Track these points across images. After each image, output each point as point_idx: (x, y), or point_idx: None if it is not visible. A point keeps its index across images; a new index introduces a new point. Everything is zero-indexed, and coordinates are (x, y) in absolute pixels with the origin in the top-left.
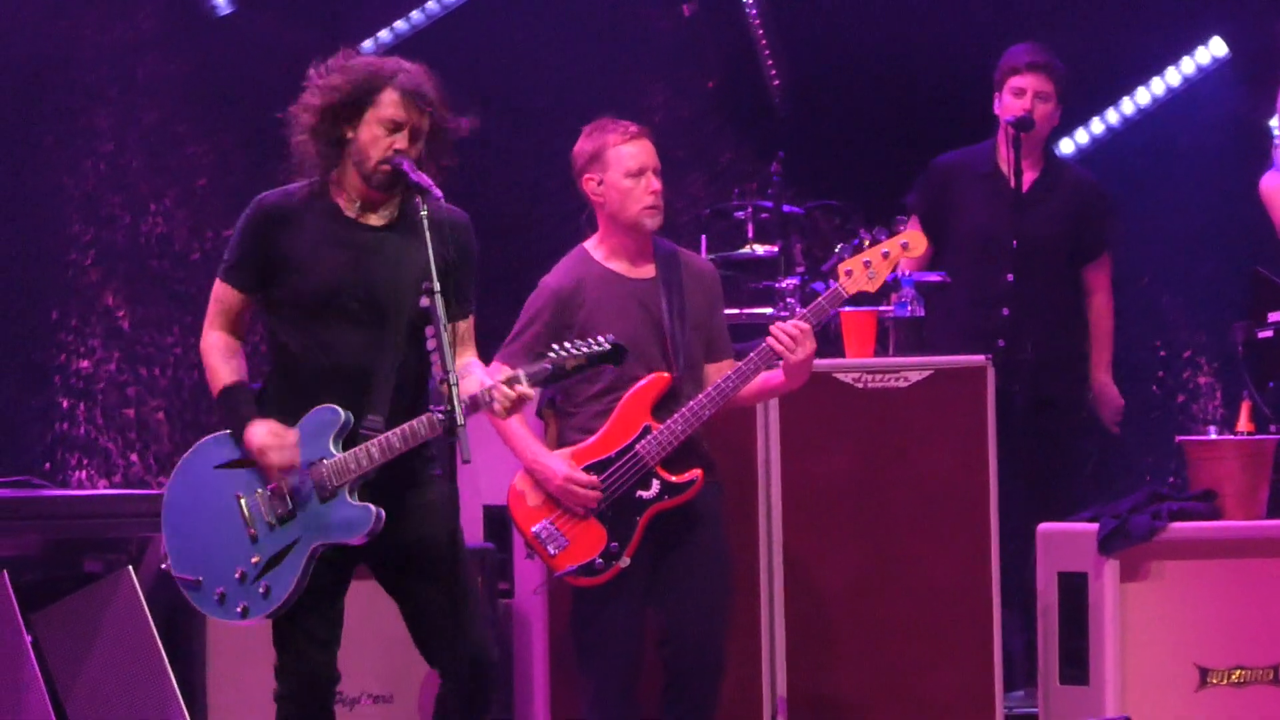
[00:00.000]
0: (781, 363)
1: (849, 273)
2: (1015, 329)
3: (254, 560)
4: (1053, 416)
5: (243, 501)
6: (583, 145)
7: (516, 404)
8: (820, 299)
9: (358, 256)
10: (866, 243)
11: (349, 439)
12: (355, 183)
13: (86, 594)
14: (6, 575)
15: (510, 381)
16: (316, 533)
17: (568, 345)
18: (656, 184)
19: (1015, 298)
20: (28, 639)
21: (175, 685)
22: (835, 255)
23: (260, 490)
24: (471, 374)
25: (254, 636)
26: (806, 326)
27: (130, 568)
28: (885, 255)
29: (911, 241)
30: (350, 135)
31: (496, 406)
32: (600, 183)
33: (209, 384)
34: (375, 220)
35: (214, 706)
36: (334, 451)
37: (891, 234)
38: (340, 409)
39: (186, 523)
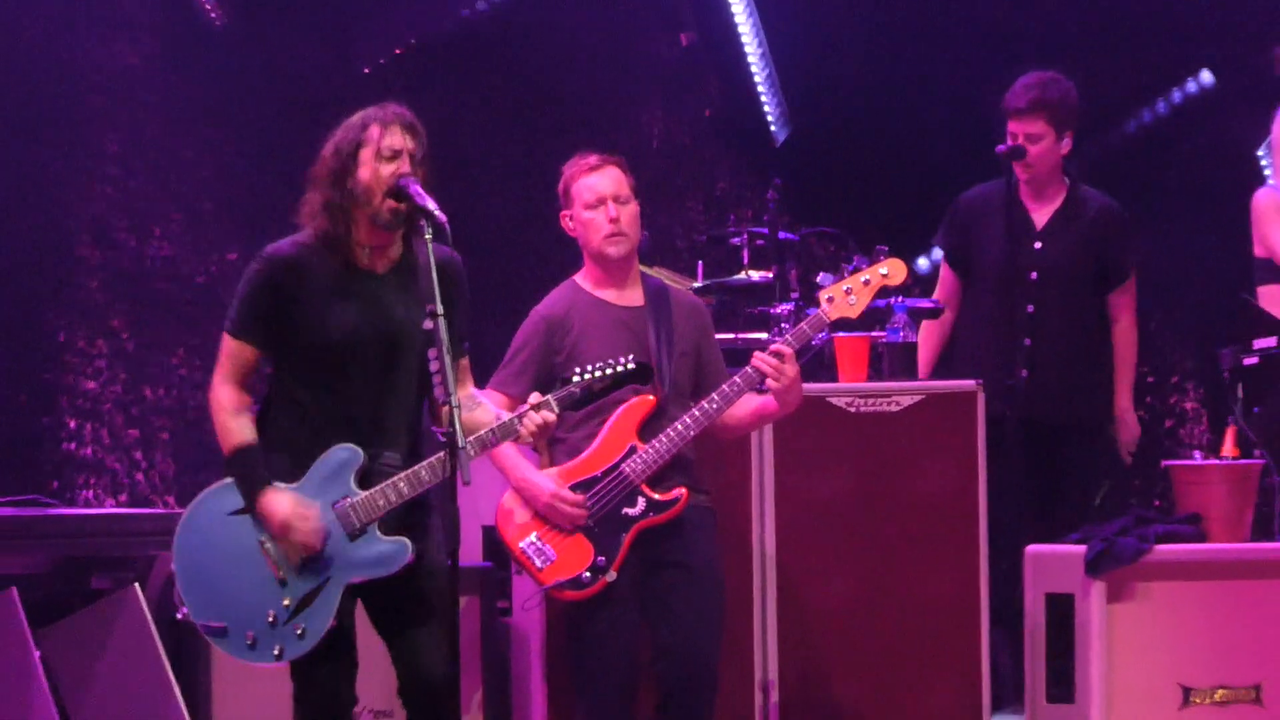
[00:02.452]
0: (769, 388)
1: (830, 299)
2: (1036, 358)
3: (285, 603)
4: (1071, 444)
5: (267, 546)
6: (559, 185)
7: (543, 429)
8: (802, 324)
9: (369, 307)
10: (846, 270)
11: (365, 477)
12: (364, 230)
13: (94, 611)
14: (15, 592)
15: (538, 407)
16: (348, 570)
17: (592, 367)
18: (615, 211)
19: (1036, 328)
20: (36, 655)
21: (181, 700)
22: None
23: None
24: (480, 403)
25: None
26: (788, 350)
27: (137, 585)
28: (866, 282)
29: (891, 269)
30: (351, 185)
31: (523, 431)
32: (571, 218)
33: (219, 440)
34: (382, 266)
35: None
36: (355, 490)
37: (872, 262)
38: (357, 448)
39: (205, 571)
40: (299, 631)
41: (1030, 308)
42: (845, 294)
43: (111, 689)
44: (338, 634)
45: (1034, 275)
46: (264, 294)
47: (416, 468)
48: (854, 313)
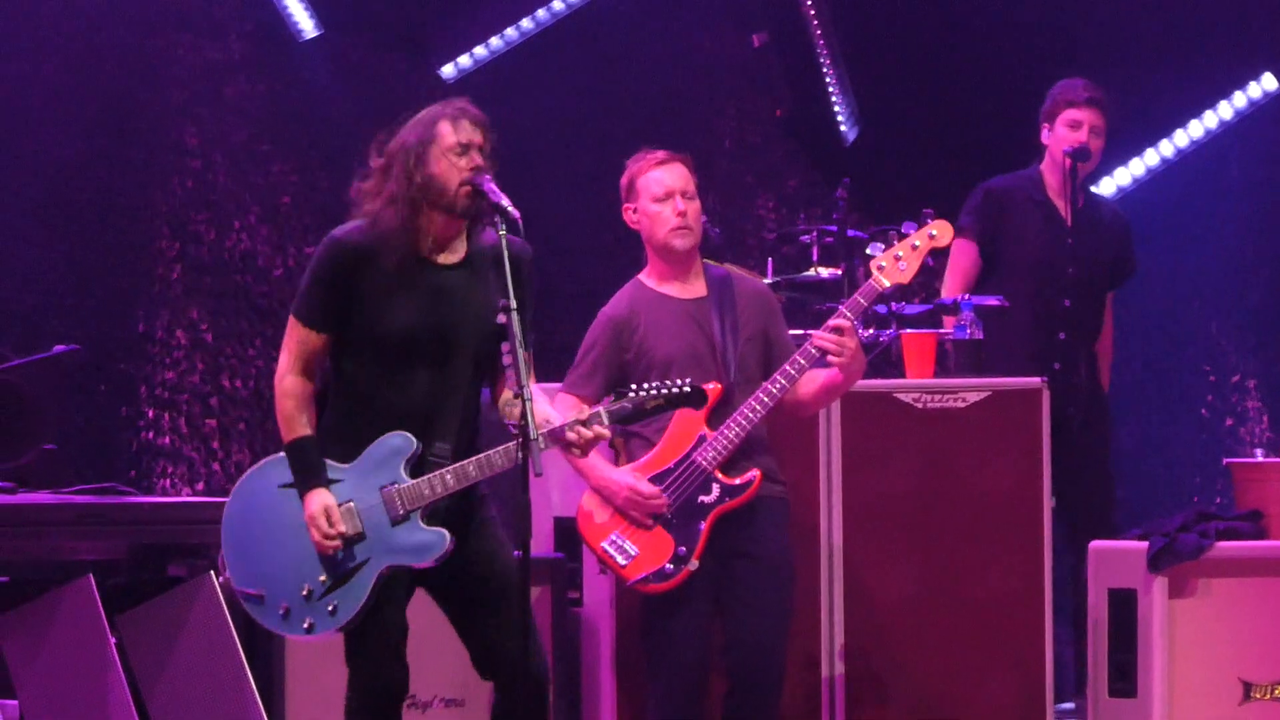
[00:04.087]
0: (832, 362)
1: (881, 267)
2: (1070, 352)
3: (321, 579)
4: (1101, 436)
5: None
6: (623, 179)
7: (592, 442)
8: (856, 294)
9: (432, 298)
10: (895, 238)
11: (416, 465)
12: (436, 223)
13: (169, 597)
14: (93, 578)
15: (589, 421)
16: (386, 554)
17: (648, 385)
18: (682, 205)
19: (1071, 322)
20: (112, 640)
21: (254, 686)
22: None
23: None
24: (539, 397)
25: (331, 640)
26: (846, 324)
27: (212, 573)
28: (915, 247)
29: (939, 231)
30: (422, 179)
31: (573, 437)
32: (635, 211)
33: (280, 427)
34: (447, 259)
35: (291, 707)
36: (405, 477)
37: (920, 226)
38: (412, 437)
39: (250, 539)
40: (330, 609)
41: (1067, 302)
42: (895, 260)
43: (186, 674)
44: (388, 622)
45: (1071, 270)
46: (333, 280)
47: (464, 463)
48: (905, 278)
